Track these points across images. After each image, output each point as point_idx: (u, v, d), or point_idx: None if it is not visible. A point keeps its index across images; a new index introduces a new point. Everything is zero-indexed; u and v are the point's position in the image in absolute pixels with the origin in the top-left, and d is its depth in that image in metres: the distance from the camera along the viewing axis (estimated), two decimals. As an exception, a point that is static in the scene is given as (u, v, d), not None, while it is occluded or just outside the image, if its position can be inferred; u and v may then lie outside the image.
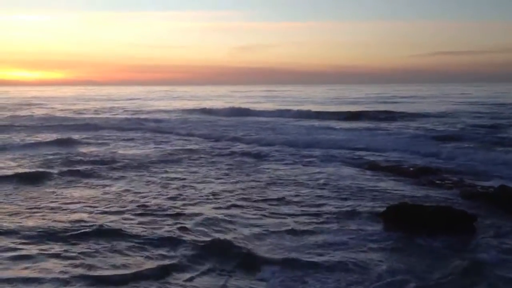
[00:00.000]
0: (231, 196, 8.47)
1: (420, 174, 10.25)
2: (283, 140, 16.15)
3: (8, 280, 4.84)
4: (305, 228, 6.61)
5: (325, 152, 13.58)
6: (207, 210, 7.45)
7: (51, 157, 12.66)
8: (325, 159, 12.56)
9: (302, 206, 7.80)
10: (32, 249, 5.69)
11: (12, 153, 13.49)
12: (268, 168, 11.29)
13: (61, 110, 35.29)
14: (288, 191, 8.90)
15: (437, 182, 9.61)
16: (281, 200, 8.19)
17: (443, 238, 6.21)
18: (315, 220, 6.99)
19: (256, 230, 6.54)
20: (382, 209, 7.21)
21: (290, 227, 6.59)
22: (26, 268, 5.18)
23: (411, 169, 10.91)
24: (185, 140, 17.03)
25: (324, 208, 7.65)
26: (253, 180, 9.86)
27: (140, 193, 8.66)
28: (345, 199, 8.24)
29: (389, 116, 26.63)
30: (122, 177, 10.08)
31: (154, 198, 8.25)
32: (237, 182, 9.69)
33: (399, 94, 61.29)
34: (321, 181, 9.67)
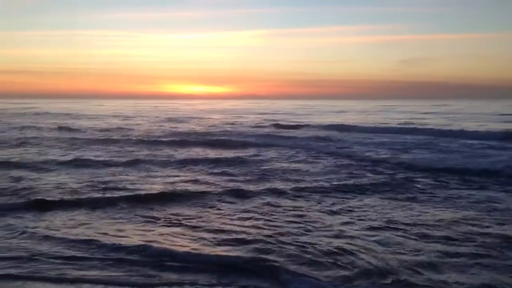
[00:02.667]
0: (381, 226, 7.88)
1: None
2: (445, 163, 14.60)
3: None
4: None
5: (498, 181, 11.72)
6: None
7: (206, 170, 13.36)
8: (498, 185, 11.12)
9: (460, 238, 6.90)
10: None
11: (168, 168, 13.94)
12: (421, 192, 10.33)
13: (218, 123, 36.47)
14: (441, 215, 7.96)
15: None
16: (437, 227, 7.45)
17: None
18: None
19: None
20: None
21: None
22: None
23: None
24: (335, 159, 16.46)
25: (489, 240, 6.79)
26: (404, 206, 9.16)
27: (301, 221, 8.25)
28: None
29: None
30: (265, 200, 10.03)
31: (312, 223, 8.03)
32: (391, 215, 9.04)
33: None
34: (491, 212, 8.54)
